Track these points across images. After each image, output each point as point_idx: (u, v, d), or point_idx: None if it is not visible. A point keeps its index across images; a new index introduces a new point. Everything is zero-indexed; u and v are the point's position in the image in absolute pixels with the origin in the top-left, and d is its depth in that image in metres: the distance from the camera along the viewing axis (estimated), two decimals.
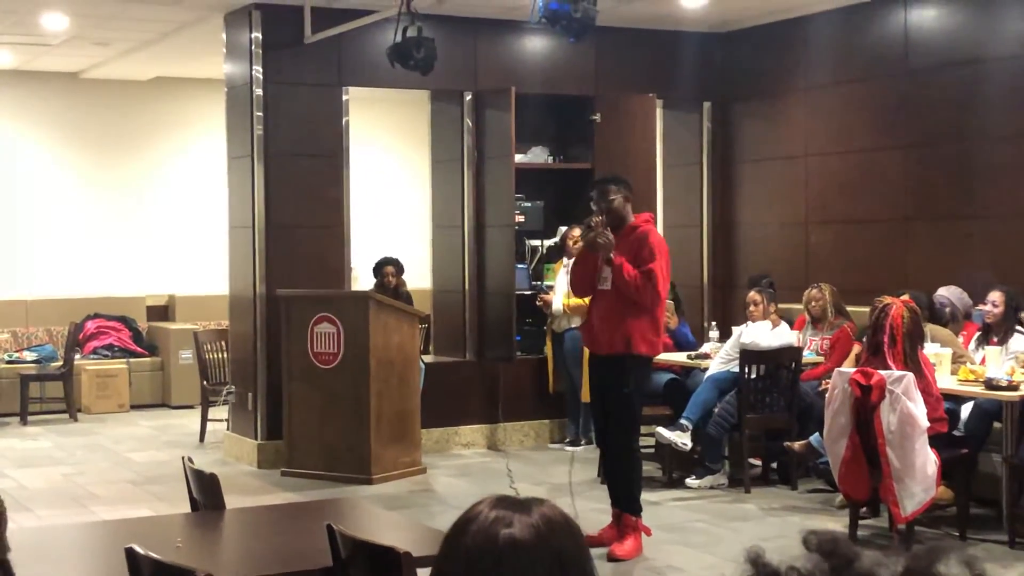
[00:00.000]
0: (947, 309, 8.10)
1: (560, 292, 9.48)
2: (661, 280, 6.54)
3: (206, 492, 4.49)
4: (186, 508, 4.79)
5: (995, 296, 7.66)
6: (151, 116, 13.30)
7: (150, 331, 12.96)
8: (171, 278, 13.25)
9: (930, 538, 6.88)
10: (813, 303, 8.66)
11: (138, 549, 3.30)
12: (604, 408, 6.76)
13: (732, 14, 10.24)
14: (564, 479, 8.60)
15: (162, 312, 13.22)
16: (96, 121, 13.12)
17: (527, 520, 1.65)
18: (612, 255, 6.49)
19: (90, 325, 12.64)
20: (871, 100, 9.60)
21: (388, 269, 9.82)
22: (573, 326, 9.35)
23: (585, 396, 8.76)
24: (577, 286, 6.95)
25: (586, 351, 7.26)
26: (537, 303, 9.85)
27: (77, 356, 12.10)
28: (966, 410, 7.36)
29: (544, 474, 8.83)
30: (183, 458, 4.74)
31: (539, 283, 10.23)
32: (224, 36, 9.77)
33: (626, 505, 6.69)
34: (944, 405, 6.83)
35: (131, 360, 12.48)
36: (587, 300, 6.98)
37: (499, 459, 9.38)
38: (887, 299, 6.71)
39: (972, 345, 7.84)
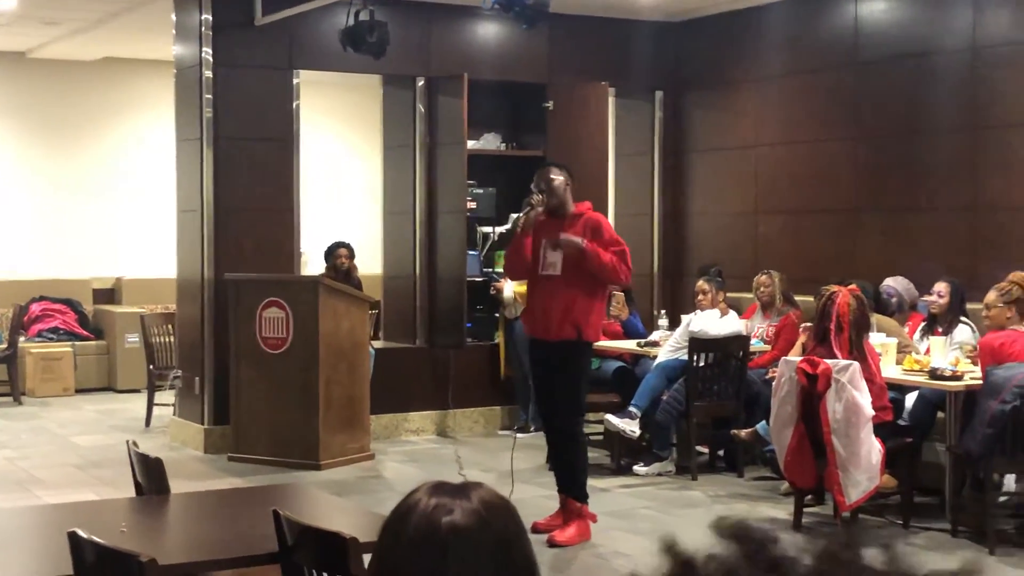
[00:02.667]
0: (893, 299, 8.18)
1: (511, 280, 9.48)
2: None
3: (151, 476, 4.45)
4: (131, 493, 4.75)
5: (940, 287, 7.75)
6: (99, 97, 13.15)
7: (96, 314, 12.83)
8: (118, 261, 13.11)
9: (874, 526, 6.96)
10: (762, 288, 8.72)
11: (81, 533, 3.27)
12: (550, 394, 6.76)
13: (685, 4, 10.27)
14: (514, 465, 8.62)
15: (108, 295, 13.09)
16: (43, 101, 12.96)
17: (468, 506, 1.65)
18: (583, 243, 6.48)
19: (35, 308, 12.50)
20: (821, 92, 9.67)
21: (341, 251, 9.77)
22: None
23: None
24: (511, 268, 6.95)
25: None
26: (491, 291, 9.85)
27: (22, 339, 11.97)
28: (911, 399, 7.45)
29: (493, 461, 8.83)
30: (128, 442, 4.70)
31: (490, 270, 10.23)
32: (174, 17, 9.67)
33: (570, 491, 6.70)
34: (889, 394, 6.90)
35: (76, 343, 12.36)
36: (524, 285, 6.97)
37: (448, 445, 9.38)
38: (833, 287, 6.77)
39: (917, 335, 7.92)
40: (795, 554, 1.05)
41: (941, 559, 6.03)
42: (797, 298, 8.71)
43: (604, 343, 8.13)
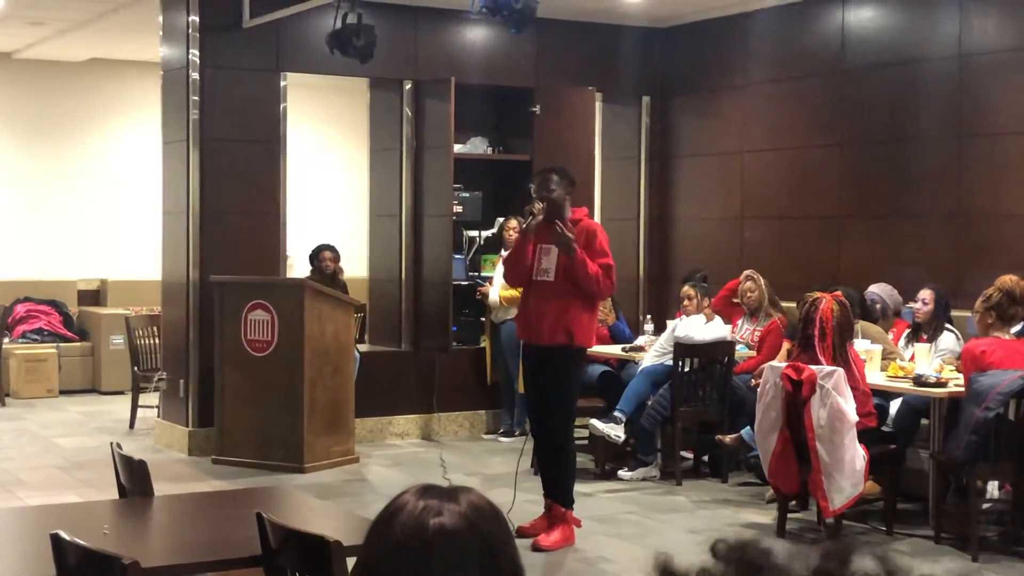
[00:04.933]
0: (878, 306, 8.20)
1: (497, 283, 9.48)
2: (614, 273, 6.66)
3: (135, 479, 4.44)
4: (114, 495, 4.73)
5: (925, 294, 7.78)
6: (85, 98, 13.12)
7: (81, 315, 12.80)
8: (103, 262, 13.08)
9: (858, 532, 6.98)
10: (748, 294, 8.71)
11: (64, 535, 3.26)
12: (540, 399, 6.75)
13: (672, 10, 10.29)
14: (498, 470, 8.62)
15: (93, 296, 13.06)
16: (29, 102, 12.92)
17: (456, 508, 1.65)
18: (575, 247, 6.49)
19: (20, 308, 12.45)
20: (807, 98, 9.69)
21: (326, 254, 9.77)
22: (510, 317, 9.35)
23: (521, 387, 8.77)
24: (511, 275, 6.95)
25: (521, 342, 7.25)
26: (477, 296, 9.85)
27: (6, 340, 11.92)
28: (895, 406, 7.47)
29: (477, 465, 8.83)
30: (112, 444, 4.69)
31: (476, 274, 10.23)
32: (161, 18, 9.65)
33: (558, 496, 6.70)
34: (873, 401, 6.92)
35: (61, 345, 12.31)
36: (519, 291, 6.98)
37: (433, 449, 9.37)
38: (817, 294, 6.79)
39: (902, 342, 7.95)
40: (785, 567, 1.05)
41: (926, 567, 6.04)
42: (782, 304, 8.71)
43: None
